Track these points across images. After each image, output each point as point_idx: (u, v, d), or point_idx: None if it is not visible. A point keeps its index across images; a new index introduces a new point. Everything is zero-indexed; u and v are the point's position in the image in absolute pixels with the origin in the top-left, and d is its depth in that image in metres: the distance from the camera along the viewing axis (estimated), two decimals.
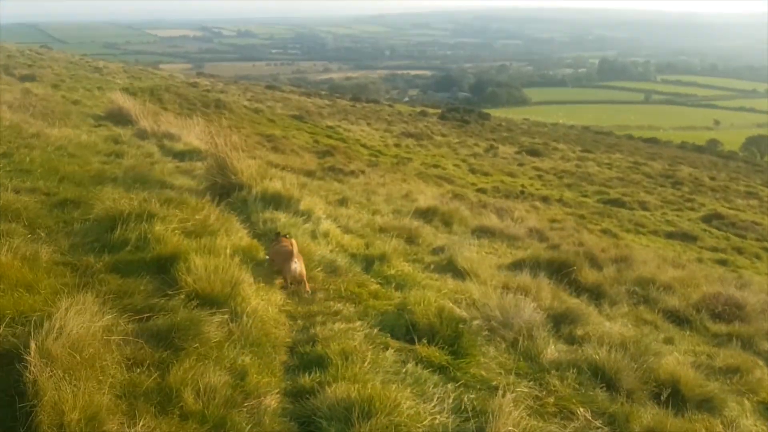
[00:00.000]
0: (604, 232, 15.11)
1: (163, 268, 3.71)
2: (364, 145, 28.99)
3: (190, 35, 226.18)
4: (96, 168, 6.29)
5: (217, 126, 18.93)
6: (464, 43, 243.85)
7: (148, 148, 9.58)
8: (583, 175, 29.60)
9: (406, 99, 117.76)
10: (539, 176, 27.46)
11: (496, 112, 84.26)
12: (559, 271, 5.17)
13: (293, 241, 4.34)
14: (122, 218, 4.17)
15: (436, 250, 5.43)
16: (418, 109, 71.98)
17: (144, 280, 3.57)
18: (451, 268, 4.85)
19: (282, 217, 5.25)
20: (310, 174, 10.91)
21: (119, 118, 15.07)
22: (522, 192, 19.98)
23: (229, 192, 5.96)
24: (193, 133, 11.92)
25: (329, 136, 29.07)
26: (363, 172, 16.27)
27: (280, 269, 4.31)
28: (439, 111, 72.21)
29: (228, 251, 3.99)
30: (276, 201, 5.68)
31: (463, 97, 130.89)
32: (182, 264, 3.64)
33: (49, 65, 34.20)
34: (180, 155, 9.89)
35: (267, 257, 4.53)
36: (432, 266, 4.96)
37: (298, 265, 4.23)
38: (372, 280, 4.46)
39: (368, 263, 4.75)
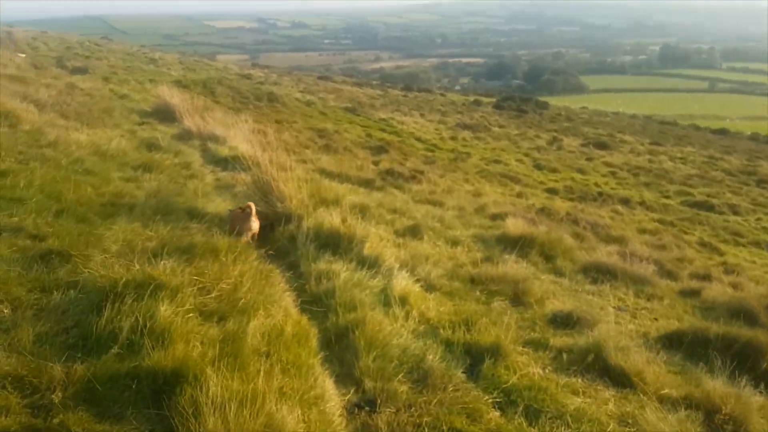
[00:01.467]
0: (703, 245, 13.09)
1: (161, 396, 2.39)
2: (418, 139, 27.48)
3: (246, 27, 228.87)
4: (113, 190, 5.13)
5: (266, 124, 17.78)
6: (518, 30, 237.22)
7: (188, 154, 8.48)
8: (660, 171, 27.12)
9: (458, 87, 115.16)
10: (612, 173, 25.23)
11: (553, 101, 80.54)
12: (743, 355, 3.50)
13: (251, 204, 4.99)
14: (115, 291, 2.87)
15: (560, 320, 3.87)
16: (472, 98, 69.50)
17: (128, 420, 2.30)
18: (599, 365, 3.25)
19: (341, 270, 3.86)
20: (368, 183, 9.55)
21: (165, 114, 14.15)
22: (600, 194, 17.99)
23: (273, 223, 4.65)
24: (240, 134, 10.74)
25: (382, 130, 27.70)
26: (422, 173, 14.78)
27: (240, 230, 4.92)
28: (494, 100, 69.49)
29: (264, 357, 2.57)
30: (333, 241, 4.33)
31: (516, 84, 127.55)
32: (189, 391, 2.32)
33: (106, 56, 34.22)
34: (223, 162, 8.73)
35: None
36: (565, 357, 3.38)
37: (256, 224, 4.98)
38: (485, 398, 2.94)
39: (473, 359, 3.23)
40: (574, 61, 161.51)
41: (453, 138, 30.01)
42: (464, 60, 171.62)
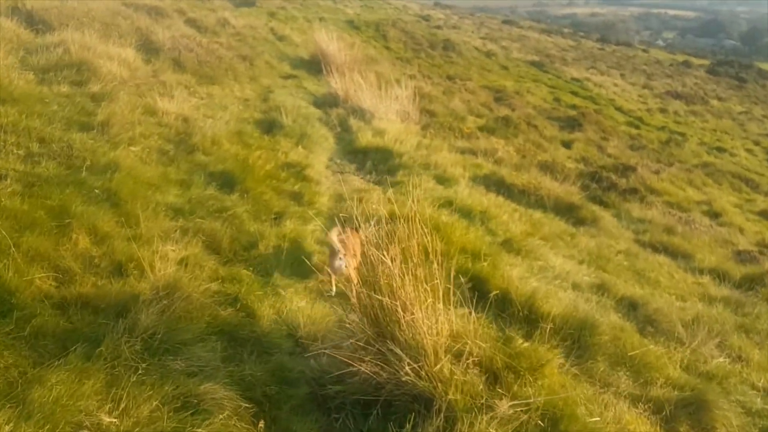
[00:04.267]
0: None
1: None
2: (619, 109, 22.63)
3: None
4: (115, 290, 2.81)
5: (435, 81, 14.52)
6: None
7: (314, 142, 6.28)
8: None
9: (659, 42, 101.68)
10: None
11: None
12: None
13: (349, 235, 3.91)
14: None
15: None
16: (680, 58, 59.18)
17: None
18: None
19: None
20: (568, 211, 6.32)
21: (319, 66, 11.87)
22: None
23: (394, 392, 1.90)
24: (393, 107, 8.01)
25: (574, 93, 23.22)
26: (633, 170, 10.92)
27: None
28: (707, 63, 58.63)
29: None
30: None
31: (730, 46, 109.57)
32: None
33: None
34: (361, 157, 6.18)
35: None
36: None
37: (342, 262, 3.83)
38: None
39: None
40: None
41: (662, 110, 24.52)
42: (671, 12, 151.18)
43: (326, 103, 8.91)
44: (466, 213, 5.16)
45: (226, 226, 4.18)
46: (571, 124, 16.10)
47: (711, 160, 16.76)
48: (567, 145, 13.08)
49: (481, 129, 11.42)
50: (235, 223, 4.26)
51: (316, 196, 4.98)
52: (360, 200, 4.56)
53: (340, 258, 3.76)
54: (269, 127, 6.42)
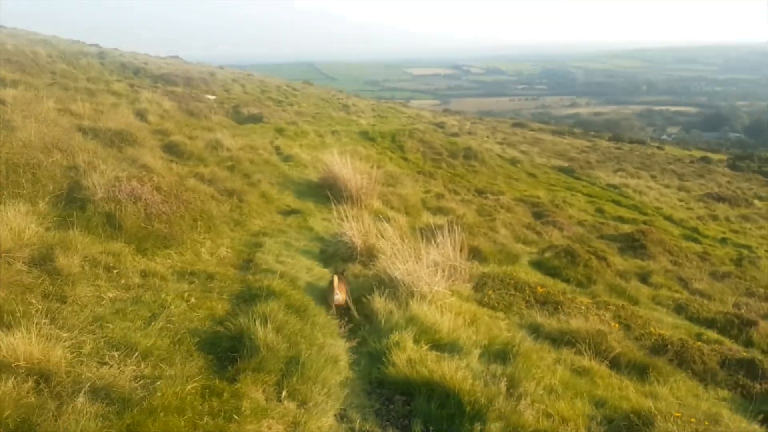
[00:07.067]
0: None
1: None
2: (669, 218, 20.13)
3: (441, 73, 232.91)
4: None
5: (464, 194, 12.42)
6: (736, 79, 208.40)
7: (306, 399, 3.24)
8: None
9: (665, 137, 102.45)
10: None
11: None
12: None
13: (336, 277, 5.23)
14: None
15: None
16: (697, 154, 57.86)
17: None
18: None
19: None
20: None
21: (332, 190, 9.50)
22: None
23: None
24: (432, 256, 5.45)
25: (615, 202, 20.89)
26: (748, 321, 8.21)
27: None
28: (724, 158, 57.07)
29: None
30: None
31: (735, 138, 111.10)
32: None
33: (298, 102, 32.54)
34: (399, 400, 3.41)
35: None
36: None
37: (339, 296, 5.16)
38: None
39: None
40: None
41: (713, 217, 22.01)
42: (673, 108, 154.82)
43: (338, 253, 6.42)
44: None
45: None
46: (631, 244, 13.56)
47: None
48: (644, 278, 10.44)
49: (541, 266, 8.83)
50: None
51: None
52: None
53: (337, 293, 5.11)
54: (230, 353, 3.77)
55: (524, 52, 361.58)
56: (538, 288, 6.28)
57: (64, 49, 29.57)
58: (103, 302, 4.25)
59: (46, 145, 7.32)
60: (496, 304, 5.92)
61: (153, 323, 4.04)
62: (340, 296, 5.12)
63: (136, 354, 3.59)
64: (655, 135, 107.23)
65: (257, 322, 3.96)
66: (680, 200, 25.21)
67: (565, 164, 27.57)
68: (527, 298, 6.12)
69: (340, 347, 4.23)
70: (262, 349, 3.75)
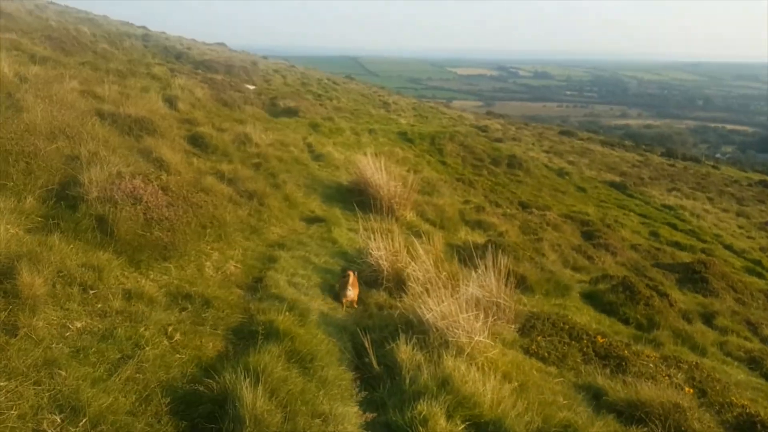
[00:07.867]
0: None
1: None
2: (729, 247, 18.51)
3: (486, 74, 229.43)
4: None
5: (506, 207, 11.48)
6: None
7: None
8: None
9: (719, 155, 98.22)
10: None
11: None
12: None
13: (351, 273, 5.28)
14: None
15: None
16: (755, 177, 54.65)
17: None
18: None
19: None
20: None
21: (362, 197, 8.61)
22: None
23: None
24: (471, 291, 4.47)
25: (671, 225, 19.34)
26: None
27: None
28: None
29: None
30: None
31: None
32: None
33: (337, 96, 31.76)
34: None
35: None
36: None
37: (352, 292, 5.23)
38: None
39: None
40: None
41: None
42: (728, 126, 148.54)
43: (361, 276, 5.49)
44: None
45: None
46: (691, 276, 12.23)
47: None
48: (707, 319, 9.18)
49: (595, 300, 7.72)
50: None
51: None
52: None
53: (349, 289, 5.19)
54: (208, 421, 2.87)
55: (574, 59, 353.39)
56: (598, 338, 5.21)
57: (111, 30, 29.52)
58: (66, 336, 3.42)
59: (53, 130, 6.61)
60: (546, 355, 4.89)
61: (120, 370, 3.20)
62: (352, 293, 5.22)
63: (84, 420, 2.75)
64: (708, 153, 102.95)
65: (246, 381, 3.06)
66: (740, 227, 23.36)
67: (617, 179, 25.96)
68: (584, 349, 5.07)
69: (350, 417, 3.30)
70: (247, 422, 2.86)
